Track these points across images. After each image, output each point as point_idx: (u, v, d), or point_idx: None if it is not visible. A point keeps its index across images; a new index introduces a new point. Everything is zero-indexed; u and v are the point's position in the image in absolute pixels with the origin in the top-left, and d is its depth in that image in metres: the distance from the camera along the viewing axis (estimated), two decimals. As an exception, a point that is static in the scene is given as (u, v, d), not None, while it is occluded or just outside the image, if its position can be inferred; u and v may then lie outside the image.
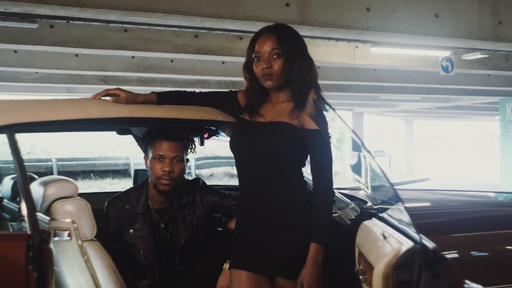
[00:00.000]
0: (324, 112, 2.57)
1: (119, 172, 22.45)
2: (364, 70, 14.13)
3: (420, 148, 45.42)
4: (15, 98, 3.12)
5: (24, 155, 20.52)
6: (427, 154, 44.29)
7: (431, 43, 9.09)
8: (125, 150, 24.82)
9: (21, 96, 17.13)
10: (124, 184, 20.77)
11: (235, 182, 21.56)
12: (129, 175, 22.27)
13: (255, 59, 2.86)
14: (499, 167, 19.09)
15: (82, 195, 3.06)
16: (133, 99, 3.03)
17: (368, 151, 2.15)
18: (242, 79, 10.06)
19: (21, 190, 2.62)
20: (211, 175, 22.73)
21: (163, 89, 3.32)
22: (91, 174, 20.96)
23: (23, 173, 2.65)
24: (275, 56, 2.82)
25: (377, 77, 14.72)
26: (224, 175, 23.44)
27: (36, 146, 22.16)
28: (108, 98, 3.02)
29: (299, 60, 2.84)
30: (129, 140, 24.42)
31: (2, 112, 2.78)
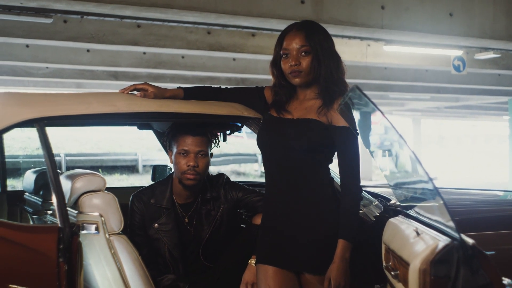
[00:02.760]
0: (364, 109, 2.58)
1: (127, 168, 22.46)
2: (375, 68, 14.11)
3: (427, 147, 45.38)
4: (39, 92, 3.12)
5: (33, 150, 20.69)
6: (434, 153, 44.22)
7: (444, 42, 9.08)
8: (133, 146, 24.84)
9: (30, 91, 17.11)
10: (132, 180, 20.79)
11: (242, 179, 21.60)
12: (137, 171, 22.29)
13: (283, 56, 2.87)
14: (507, 167, 19.05)
15: (108, 189, 3.07)
16: (161, 94, 3.03)
17: (409, 148, 2.15)
18: (252, 76, 10.16)
19: (51, 183, 2.62)
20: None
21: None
22: (99, 170, 20.96)
23: (54, 166, 2.65)
24: (303, 53, 2.83)
25: (388, 76, 14.69)
26: (231, 173, 23.44)
27: (45, 141, 22.09)
28: (135, 92, 3.03)
29: (327, 58, 2.85)
30: (137, 136, 24.46)
31: (32, 105, 2.79)
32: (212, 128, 3.39)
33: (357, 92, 2.39)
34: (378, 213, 3.24)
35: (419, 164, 2.08)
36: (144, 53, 12.19)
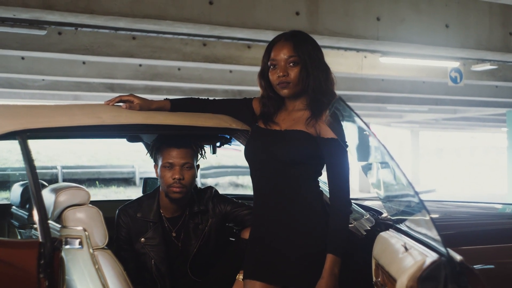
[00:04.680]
0: (348, 121, 2.52)
1: (124, 180, 22.44)
2: (372, 80, 14.08)
3: (425, 159, 45.33)
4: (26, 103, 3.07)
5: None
6: (433, 165, 44.15)
7: (441, 53, 9.06)
8: (130, 158, 24.80)
9: (27, 103, 17.08)
10: (129, 192, 20.73)
11: (240, 191, 21.56)
12: (134, 183, 22.24)
13: (271, 66, 2.81)
14: (506, 179, 18.99)
15: (93, 202, 3.01)
16: (147, 105, 2.98)
17: (394, 160, 2.10)
18: (249, 88, 10.15)
19: (33, 197, 2.57)
20: (216, 185, 22.70)
21: (172, 98, 3.28)
22: (96, 182, 20.93)
23: (35, 180, 2.60)
24: (291, 64, 2.77)
25: (385, 88, 14.67)
26: (229, 185, 23.41)
27: (42, 153, 22.16)
28: (121, 104, 2.97)
29: (316, 68, 2.79)
30: (134, 148, 24.41)
31: (14, 117, 2.74)
32: (198, 139, 3.33)
33: (341, 104, 2.33)
34: (370, 227, 3.18)
35: (403, 176, 2.02)
36: (140, 65, 12.16)
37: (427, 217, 1.98)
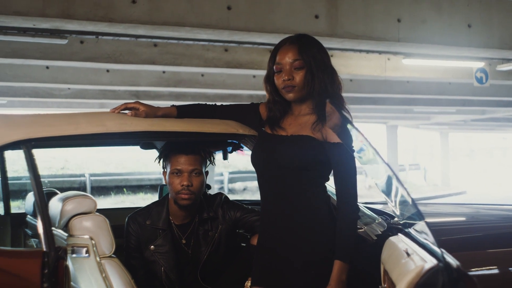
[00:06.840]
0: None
1: (152, 187, 22.51)
2: (397, 82, 13.97)
3: (456, 160, 44.89)
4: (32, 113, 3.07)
5: (58, 170, 20.85)
6: (463, 167, 43.70)
7: (464, 54, 8.95)
8: (157, 165, 24.88)
9: (54, 112, 17.15)
10: (156, 199, 20.78)
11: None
12: (162, 190, 22.28)
13: (276, 71, 2.78)
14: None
15: (101, 210, 3.00)
16: (153, 112, 2.96)
17: (387, 164, 2.05)
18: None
19: (37, 206, 2.57)
20: (244, 189, 22.68)
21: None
22: (124, 189, 21.03)
23: (40, 189, 2.59)
24: (296, 68, 2.73)
25: (410, 89, 14.55)
26: (257, 189, 23.30)
27: (70, 162, 22.30)
28: (127, 111, 2.96)
29: (322, 71, 2.75)
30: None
31: (19, 126, 2.74)
32: (206, 145, 3.30)
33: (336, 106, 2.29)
34: (381, 231, 3.13)
35: (397, 180, 1.97)
36: (164, 72, 12.20)
37: (423, 222, 1.93)
